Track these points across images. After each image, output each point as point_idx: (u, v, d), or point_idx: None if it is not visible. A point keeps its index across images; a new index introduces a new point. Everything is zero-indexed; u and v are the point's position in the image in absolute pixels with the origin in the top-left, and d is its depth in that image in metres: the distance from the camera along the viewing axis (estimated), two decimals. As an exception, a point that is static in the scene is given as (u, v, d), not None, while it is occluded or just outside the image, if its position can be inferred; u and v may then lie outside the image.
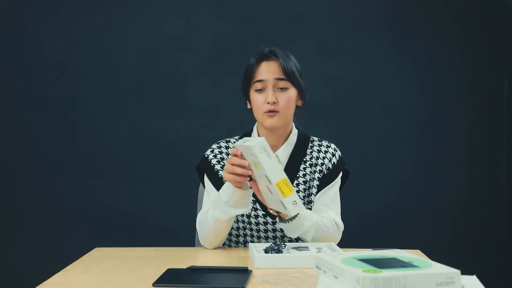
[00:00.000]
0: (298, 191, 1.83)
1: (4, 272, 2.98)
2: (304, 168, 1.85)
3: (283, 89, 1.77)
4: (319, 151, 1.87)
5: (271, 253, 1.57)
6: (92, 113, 3.01)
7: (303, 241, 1.85)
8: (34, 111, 3.00)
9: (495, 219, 3.04)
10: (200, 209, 1.93)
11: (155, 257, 1.68)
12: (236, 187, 1.61)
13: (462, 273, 1.18)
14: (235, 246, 1.90)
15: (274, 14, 3.01)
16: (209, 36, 3.01)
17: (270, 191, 1.51)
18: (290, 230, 1.69)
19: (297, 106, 1.84)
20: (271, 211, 1.69)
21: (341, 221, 1.82)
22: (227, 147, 1.88)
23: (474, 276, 1.33)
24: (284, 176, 1.46)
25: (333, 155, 1.88)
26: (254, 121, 1.87)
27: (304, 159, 1.86)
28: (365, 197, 2.96)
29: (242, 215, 1.84)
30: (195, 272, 1.45)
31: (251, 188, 1.64)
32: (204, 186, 1.88)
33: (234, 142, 1.90)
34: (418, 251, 1.74)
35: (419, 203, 3.02)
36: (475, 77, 3.04)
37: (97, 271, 1.51)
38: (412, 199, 3.03)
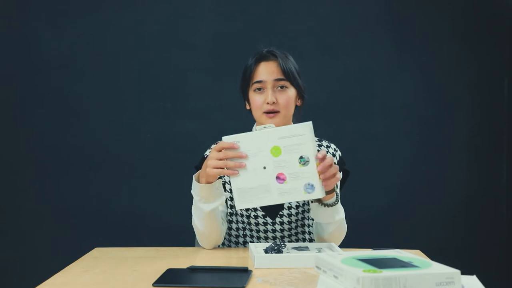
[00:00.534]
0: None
1: (4, 272, 2.98)
2: (304, 168, 1.85)
3: (282, 89, 1.78)
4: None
5: (271, 253, 1.57)
6: (92, 113, 3.02)
7: (303, 241, 1.86)
8: (34, 111, 3.00)
9: (495, 219, 3.04)
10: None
11: (155, 257, 1.68)
12: (207, 182, 1.63)
13: (462, 273, 1.18)
14: (235, 247, 1.90)
15: (274, 14, 3.01)
16: (209, 36, 3.02)
17: (284, 178, 1.52)
18: (324, 214, 1.69)
19: (296, 106, 1.84)
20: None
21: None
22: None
23: (474, 276, 1.33)
24: None
25: (333, 155, 1.88)
26: (253, 121, 1.87)
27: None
28: (365, 197, 2.96)
29: (242, 216, 1.84)
30: (195, 272, 1.45)
31: (219, 178, 1.66)
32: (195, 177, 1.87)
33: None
34: (418, 251, 1.74)
35: (419, 203, 3.03)
36: (475, 77, 3.04)
37: (97, 271, 1.51)
38: (412, 199, 3.03)
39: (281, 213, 1.82)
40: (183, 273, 1.43)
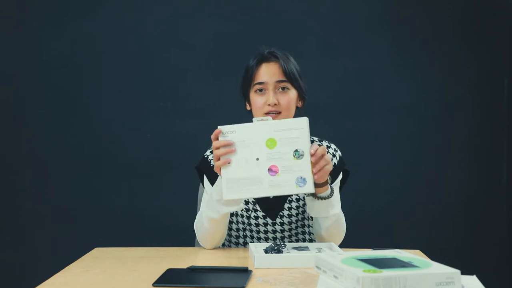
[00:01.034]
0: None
1: (4, 272, 2.98)
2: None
3: (283, 90, 1.78)
4: (319, 151, 1.87)
5: (271, 253, 1.57)
6: (92, 113, 3.02)
7: (303, 241, 1.86)
8: (34, 111, 3.00)
9: (495, 219, 3.04)
10: (199, 209, 1.93)
11: (155, 257, 1.68)
12: None
13: (462, 273, 1.19)
14: (235, 247, 1.90)
15: (274, 14, 3.01)
16: (209, 36, 3.01)
17: (276, 170, 1.52)
18: (319, 208, 1.70)
19: (296, 107, 1.84)
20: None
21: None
22: None
23: (474, 276, 1.33)
24: None
25: (334, 155, 1.88)
26: (254, 121, 1.87)
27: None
28: (365, 197, 2.96)
29: (242, 216, 1.84)
30: (195, 272, 1.45)
31: None
32: (204, 186, 1.88)
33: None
34: (418, 251, 1.74)
35: (419, 203, 3.02)
36: (475, 77, 3.04)
37: (97, 271, 1.51)
38: (412, 199, 3.02)
39: (281, 213, 1.83)
40: (183, 273, 1.44)
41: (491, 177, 3.05)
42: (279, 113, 1.76)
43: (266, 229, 1.83)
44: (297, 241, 1.85)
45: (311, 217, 1.85)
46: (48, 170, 3.00)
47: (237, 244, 1.89)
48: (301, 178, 1.53)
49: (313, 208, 1.71)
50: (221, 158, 1.56)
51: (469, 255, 2.96)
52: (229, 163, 1.55)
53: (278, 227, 1.83)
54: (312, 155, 1.54)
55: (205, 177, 1.85)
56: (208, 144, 1.90)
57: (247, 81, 1.81)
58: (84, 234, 2.93)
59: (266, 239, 1.84)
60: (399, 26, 3.04)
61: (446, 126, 3.04)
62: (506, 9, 3.04)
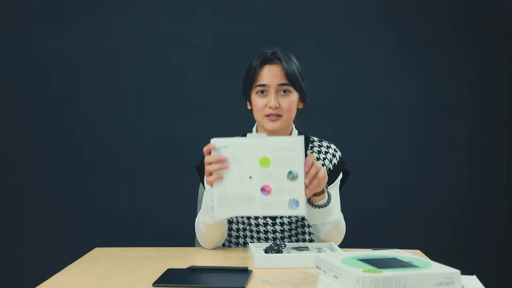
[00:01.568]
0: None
1: (4, 272, 2.98)
2: (304, 168, 1.85)
3: (285, 93, 1.77)
4: (319, 152, 1.87)
5: (271, 253, 1.57)
6: (92, 113, 3.02)
7: (303, 241, 1.86)
8: (34, 111, 3.00)
9: (495, 219, 3.04)
10: (200, 209, 1.93)
11: (155, 257, 1.68)
12: None
13: (462, 273, 1.19)
14: (235, 247, 1.90)
15: (274, 13, 3.01)
16: (209, 36, 3.01)
17: (269, 190, 1.50)
18: (317, 215, 1.69)
19: (298, 109, 1.84)
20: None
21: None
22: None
23: (474, 276, 1.33)
24: None
25: (334, 155, 1.88)
26: (254, 121, 1.87)
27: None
28: (365, 197, 2.96)
29: (242, 216, 1.84)
30: (195, 272, 1.45)
31: None
32: (204, 186, 1.88)
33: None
34: (418, 251, 1.74)
35: (419, 203, 3.02)
36: (475, 77, 3.04)
37: (97, 271, 1.51)
38: (412, 199, 3.03)
39: (281, 213, 1.82)
40: (183, 273, 1.44)
41: (491, 177, 3.05)
42: (280, 116, 1.76)
43: (266, 229, 1.83)
44: (297, 241, 1.85)
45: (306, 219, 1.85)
46: (48, 170, 3.00)
47: (237, 244, 1.89)
48: (294, 200, 1.49)
49: (311, 215, 1.70)
50: (213, 174, 1.53)
51: (469, 255, 2.96)
52: (221, 178, 1.51)
53: (278, 227, 1.83)
54: (306, 174, 1.50)
55: (205, 177, 1.85)
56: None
57: (248, 82, 1.81)
58: (84, 234, 2.93)
59: (266, 239, 1.84)
60: (399, 26, 3.04)
61: (446, 126, 3.04)
62: (506, 9, 3.04)
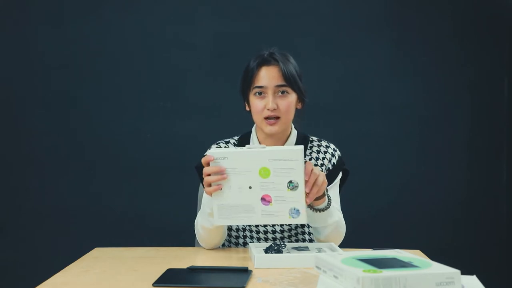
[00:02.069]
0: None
1: (4, 272, 2.98)
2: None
3: (283, 94, 1.77)
4: (318, 152, 1.87)
5: (271, 253, 1.57)
6: (92, 113, 3.02)
7: (303, 241, 1.86)
8: (34, 111, 3.00)
9: (495, 219, 3.04)
10: (200, 209, 1.93)
11: (155, 257, 1.68)
12: None
13: (462, 273, 1.19)
14: (235, 247, 1.89)
15: (274, 13, 3.01)
16: (209, 36, 3.01)
17: (267, 199, 1.51)
18: (317, 219, 1.69)
19: (296, 109, 1.84)
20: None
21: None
22: (226, 148, 1.88)
23: (474, 276, 1.33)
24: None
25: (333, 155, 1.88)
26: (253, 122, 1.87)
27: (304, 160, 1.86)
28: (365, 197, 2.96)
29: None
30: (195, 272, 1.45)
31: None
32: (204, 186, 1.87)
33: (234, 143, 1.90)
34: (418, 251, 1.74)
35: (419, 203, 3.02)
36: (475, 77, 3.04)
37: (97, 271, 1.51)
38: (412, 199, 3.02)
39: (281, 213, 1.82)
40: (183, 273, 1.44)
41: (491, 177, 3.05)
42: (278, 118, 1.75)
43: (266, 229, 1.83)
44: (297, 241, 1.85)
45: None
46: (48, 170, 3.00)
47: (237, 244, 1.89)
48: (294, 209, 1.51)
49: (312, 219, 1.70)
50: (212, 184, 1.53)
51: (469, 255, 2.96)
52: (221, 189, 1.52)
53: (278, 227, 1.83)
54: (305, 183, 1.52)
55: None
56: (208, 144, 1.91)
57: (246, 83, 1.80)
58: (84, 234, 2.92)
59: (266, 239, 1.84)
60: (399, 26, 3.04)
61: (446, 126, 3.04)
62: (506, 9, 3.04)
